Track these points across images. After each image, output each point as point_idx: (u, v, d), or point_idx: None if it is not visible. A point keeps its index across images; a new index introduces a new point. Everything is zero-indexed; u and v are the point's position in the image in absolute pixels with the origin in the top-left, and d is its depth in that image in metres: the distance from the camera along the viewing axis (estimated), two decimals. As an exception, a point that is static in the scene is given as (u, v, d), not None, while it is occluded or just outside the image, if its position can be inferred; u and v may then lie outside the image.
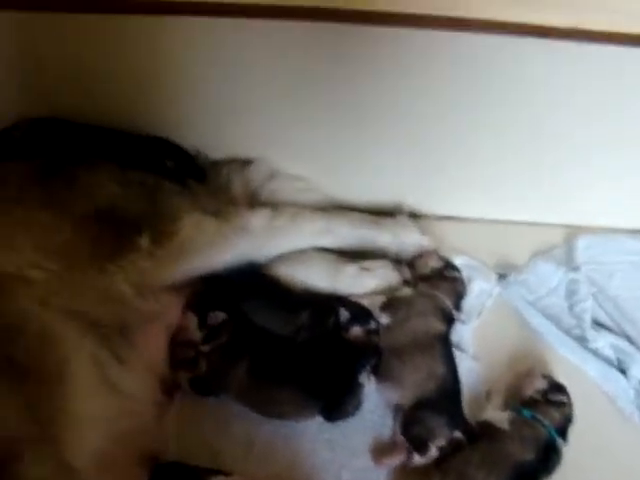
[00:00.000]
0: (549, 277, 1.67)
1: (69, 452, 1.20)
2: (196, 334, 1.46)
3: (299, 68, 1.48)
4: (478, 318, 1.61)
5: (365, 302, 1.52)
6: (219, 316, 1.46)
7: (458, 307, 1.55)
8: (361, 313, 1.50)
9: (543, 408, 1.42)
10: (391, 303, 1.52)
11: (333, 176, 1.69)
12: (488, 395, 1.51)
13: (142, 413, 1.37)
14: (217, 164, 1.65)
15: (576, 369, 1.57)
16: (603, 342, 1.59)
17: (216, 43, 1.46)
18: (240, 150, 1.66)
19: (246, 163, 1.65)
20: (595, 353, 1.58)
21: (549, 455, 1.39)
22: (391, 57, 1.44)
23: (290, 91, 1.54)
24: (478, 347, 1.58)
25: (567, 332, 1.61)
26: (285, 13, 1.39)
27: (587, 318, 1.62)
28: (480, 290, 1.64)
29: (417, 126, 1.58)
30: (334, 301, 1.54)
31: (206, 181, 1.61)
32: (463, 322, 1.58)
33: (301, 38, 1.43)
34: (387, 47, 1.42)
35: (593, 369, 1.57)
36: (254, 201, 1.62)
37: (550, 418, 1.41)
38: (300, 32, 1.42)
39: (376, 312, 1.52)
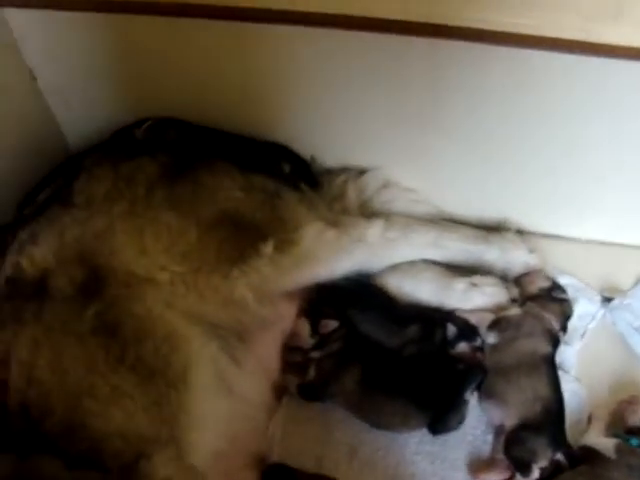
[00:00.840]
0: (657, 302, 1.65)
1: (191, 453, 1.25)
2: (307, 341, 1.49)
3: (415, 85, 1.48)
4: (581, 340, 1.60)
5: (473, 319, 1.53)
6: (331, 324, 1.49)
7: (564, 329, 1.55)
8: (468, 329, 1.52)
9: (649, 438, 1.41)
10: (499, 322, 1.53)
11: (442, 189, 1.70)
12: (590, 422, 1.51)
13: (254, 415, 1.41)
14: (331, 171, 1.67)
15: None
16: None
17: (334, 54, 1.46)
18: (353, 159, 1.68)
19: (360, 172, 1.66)
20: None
21: (655, 486, 1.38)
22: (502, 76, 1.42)
23: (405, 106, 1.53)
24: (580, 370, 1.58)
25: (674, 362, 1.59)
26: (404, 28, 1.37)
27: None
28: (584, 312, 1.64)
29: (525, 144, 1.55)
30: (442, 316, 1.55)
31: (319, 187, 1.63)
32: (566, 343, 1.57)
33: (420, 54, 1.41)
34: (500, 66, 1.40)
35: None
36: (366, 210, 1.63)
37: (656, 449, 1.40)
38: (421, 48, 1.40)
39: (484, 331, 1.52)
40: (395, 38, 1.38)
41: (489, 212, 1.72)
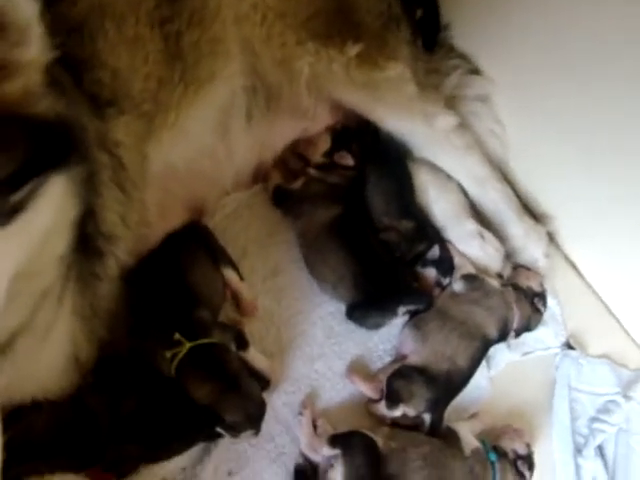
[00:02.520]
0: (603, 383, 1.59)
1: (152, 146, 1.20)
2: (317, 157, 1.43)
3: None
4: (521, 356, 1.55)
5: (456, 260, 1.47)
6: (348, 160, 1.43)
7: (518, 334, 1.49)
8: (447, 264, 1.47)
9: (506, 466, 1.38)
10: (475, 279, 1.47)
11: (524, 149, 1.59)
12: (472, 417, 1.48)
13: (224, 173, 1.37)
14: (452, 49, 1.57)
15: (552, 464, 1.52)
16: (591, 467, 1.53)
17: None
18: (479, 57, 1.57)
19: (475, 71, 1.55)
20: (577, 467, 1.53)
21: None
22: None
23: (569, 63, 1.39)
24: (499, 377, 1.53)
25: (573, 433, 1.55)
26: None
27: (597, 439, 1.55)
28: (543, 338, 1.58)
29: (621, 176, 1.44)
30: (436, 236, 1.49)
31: (431, 53, 1.53)
32: (508, 347, 1.52)
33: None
34: None
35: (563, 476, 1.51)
36: (451, 104, 1.53)
37: (504, 477, 1.37)
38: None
39: (457, 276, 1.46)
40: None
41: (542, 200, 1.63)
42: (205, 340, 1.24)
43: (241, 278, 1.39)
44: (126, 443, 1.21)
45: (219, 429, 1.24)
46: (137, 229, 1.22)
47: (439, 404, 1.40)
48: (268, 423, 1.35)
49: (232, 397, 1.23)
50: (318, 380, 1.42)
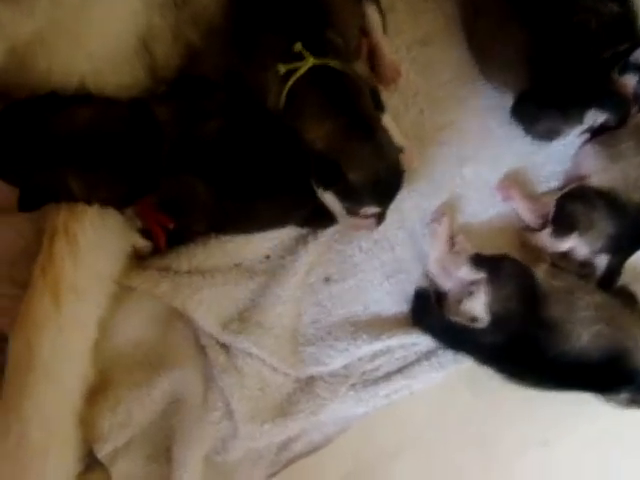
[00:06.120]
0: None
1: None
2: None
3: None
4: None
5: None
6: None
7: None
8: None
9: None
10: None
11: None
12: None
13: None
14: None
15: None
16: None
17: None
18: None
19: None
20: None
21: None
22: None
23: None
24: None
25: None
26: None
27: None
28: None
29: None
30: None
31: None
32: None
33: None
34: None
35: None
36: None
37: None
38: None
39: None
40: None
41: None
42: (335, 62, 0.88)
43: (384, 30, 1.02)
44: (193, 178, 0.85)
45: (331, 194, 0.86)
46: None
47: (622, 246, 1.02)
48: (389, 227, 0.99)
49: (361, 143, 0.86)
50: (462, 188, 1.06)
